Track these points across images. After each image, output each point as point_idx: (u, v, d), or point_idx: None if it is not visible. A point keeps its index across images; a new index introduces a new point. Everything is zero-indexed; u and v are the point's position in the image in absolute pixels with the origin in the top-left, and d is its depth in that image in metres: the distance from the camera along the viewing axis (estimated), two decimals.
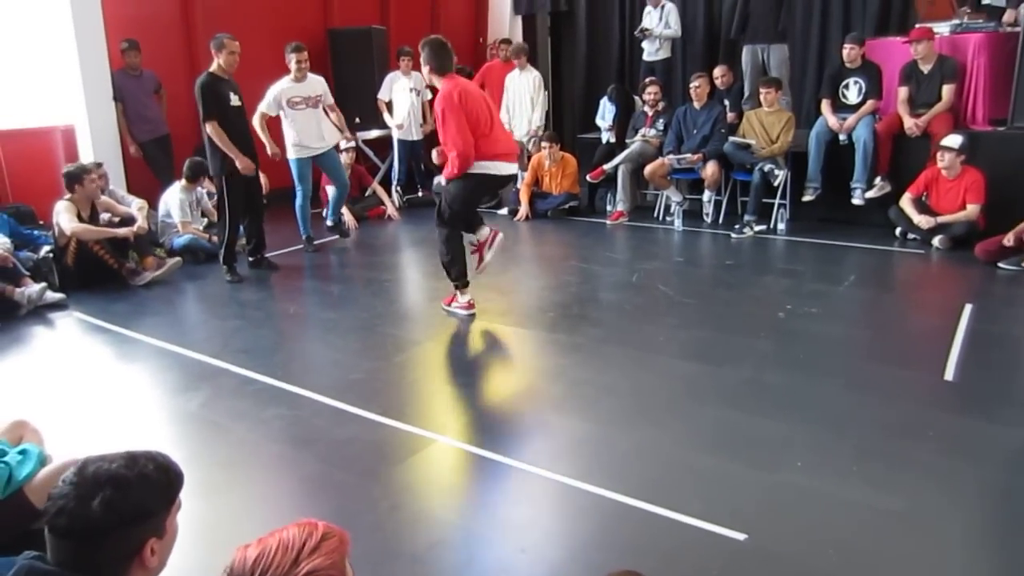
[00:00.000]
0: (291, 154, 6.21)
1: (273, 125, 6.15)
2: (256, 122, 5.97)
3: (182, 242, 6.10)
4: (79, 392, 3.81)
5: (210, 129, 5.31)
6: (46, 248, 5.51)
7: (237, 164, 5.37)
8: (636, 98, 8.05)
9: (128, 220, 5.76)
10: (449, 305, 4.79)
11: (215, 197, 6.59)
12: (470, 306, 4.73)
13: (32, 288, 4.99)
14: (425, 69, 4.45)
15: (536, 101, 8.10)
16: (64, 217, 5.32)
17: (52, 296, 5.07)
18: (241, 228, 5.80)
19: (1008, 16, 6.34)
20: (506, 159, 4.55)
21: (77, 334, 4.71)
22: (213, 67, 5.35)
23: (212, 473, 2.93)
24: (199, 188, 6.40)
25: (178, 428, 3.42)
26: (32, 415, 2.62)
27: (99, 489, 1.43)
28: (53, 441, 2.61)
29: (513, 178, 4.87)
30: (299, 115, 6.10)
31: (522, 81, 8.11)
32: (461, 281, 4.72)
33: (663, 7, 8.31)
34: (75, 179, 5.38)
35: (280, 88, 6.06)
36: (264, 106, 6.05)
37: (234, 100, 5.41)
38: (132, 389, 3.90)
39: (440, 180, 4.99)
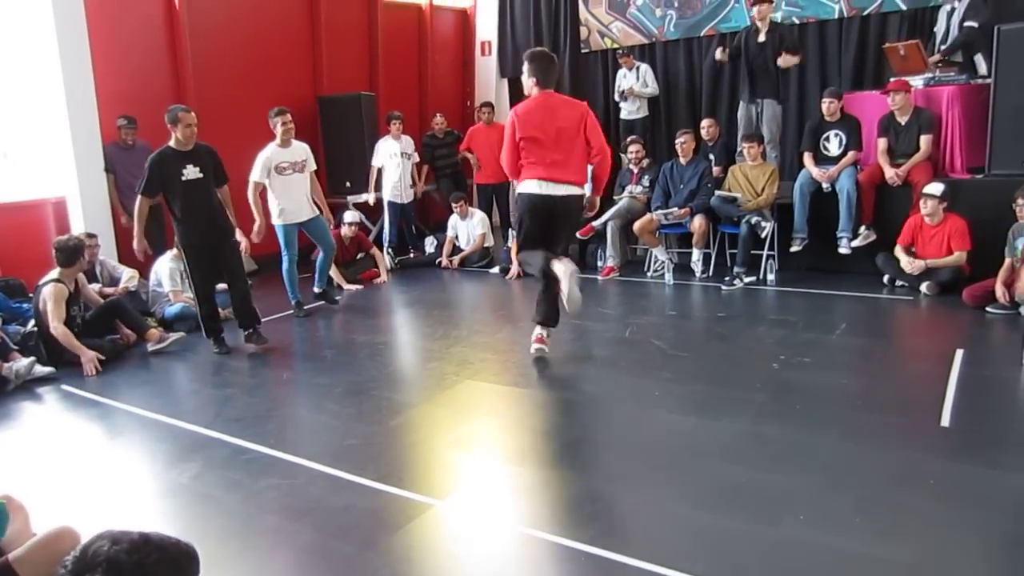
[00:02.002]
0: (276, 220, 6.20)
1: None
2: (250, 193, 6.00)
3: (174, 311, 6.08)
4: (68, 468, 3.75)
5: (138, 202, 5.26)
6: (33, 322, 5.45)
7: (134, 245, 5.33)
8: (621, 155, 8.22)
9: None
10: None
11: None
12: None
13: (20, 363, 4.94)
14: (531, 81, 4.69)
15: None
16: (51, 308, 5.16)
17: (41, 370, 5.02)
18: (217, 297, 5.66)
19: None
20: (547, 179, 4.61)
21: (66, 408, 4.65)
22: (171, 140, 5.25)
23: (206, 548, 2.82)
24: None
25: (170, 502, 3.35)
26: (20, 492, 2.58)
27: (91, 569, 1.38)
28: (41, 519, 2.56)
29: (558, 199, 4.66)
30: (287, 180, 6.11)
31: None
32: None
33: (638, 68, 8.66)
34: (69, 257, 5.27)
35: (267, 155, 6.08)
36: (256, 175, 6.05)
37: (189, 173, 5.23)
38: (123, 463, 3.83)
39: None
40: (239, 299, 5.63)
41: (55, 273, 5.28)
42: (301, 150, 6.24)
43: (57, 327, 5.15)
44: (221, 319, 5.69)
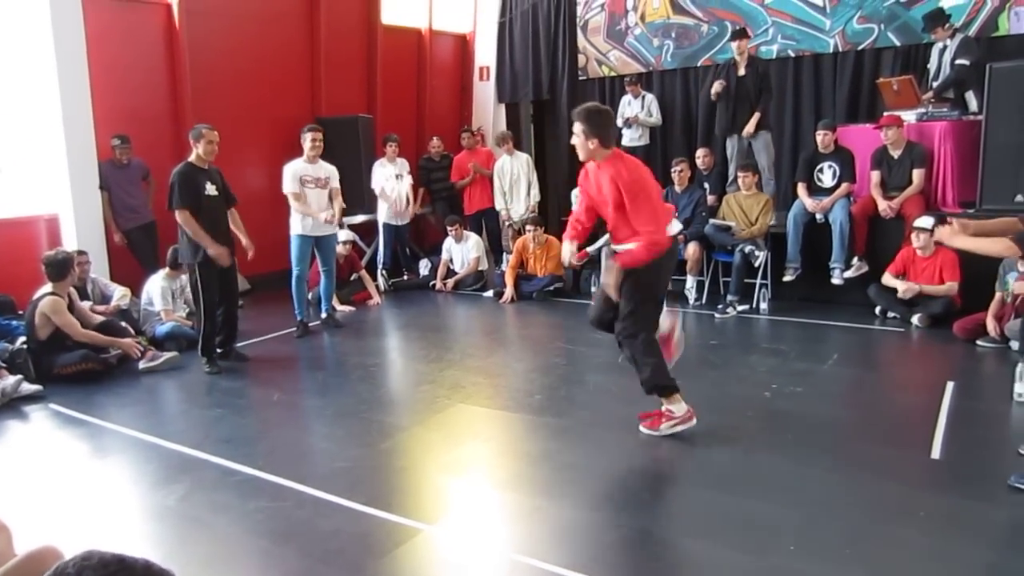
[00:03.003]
0: (295, 230, 6.30)
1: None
2: (292, 204, 6.16)
3: (164, 330, 6.04)
4: (54, 488, 3.71)
5: (180, 217, 5.28)
6: (22, 339, 5.42)
7: (210, 252, 5.30)
8: None
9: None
10: (659, 427, 3.99)
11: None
12: (690, 416, 3.98)
13: (7, 381, 4.90)
14: (593, 142, 3.76)
15: (531, 181, 8.61)
16: (62, 322, 5.23)
17: (28, 388, 4.97)
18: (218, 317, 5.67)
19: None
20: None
21: (53, 427, 4.61)
22: (192, 157, 5.39)
23: (191, 572, 2.83)
24: (182, 276, 6.38)
25: (156, 525, 3.32)
26: (4, 512, 2.55)
27: None
28: (25, 540, 2.52)
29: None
30: (309, 194, 6.25)
31: (515, 164, 8.48)
32: (672, 386, 4.02)
33: (644, 97, 8.79)
34: (59, 270, 5.30)
35: (295, 167, 6.25)
36: (290, 187, 6.19)
37: (210, 190, 5.37)
38: (109, 484, 3.80)
39: (606, 280, 4.05)
40: (228, 318, 5.72)
41: (49, 287, 5.30)
42: (326, 168, 6.41)
43: (79, 332, 5.28)
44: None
